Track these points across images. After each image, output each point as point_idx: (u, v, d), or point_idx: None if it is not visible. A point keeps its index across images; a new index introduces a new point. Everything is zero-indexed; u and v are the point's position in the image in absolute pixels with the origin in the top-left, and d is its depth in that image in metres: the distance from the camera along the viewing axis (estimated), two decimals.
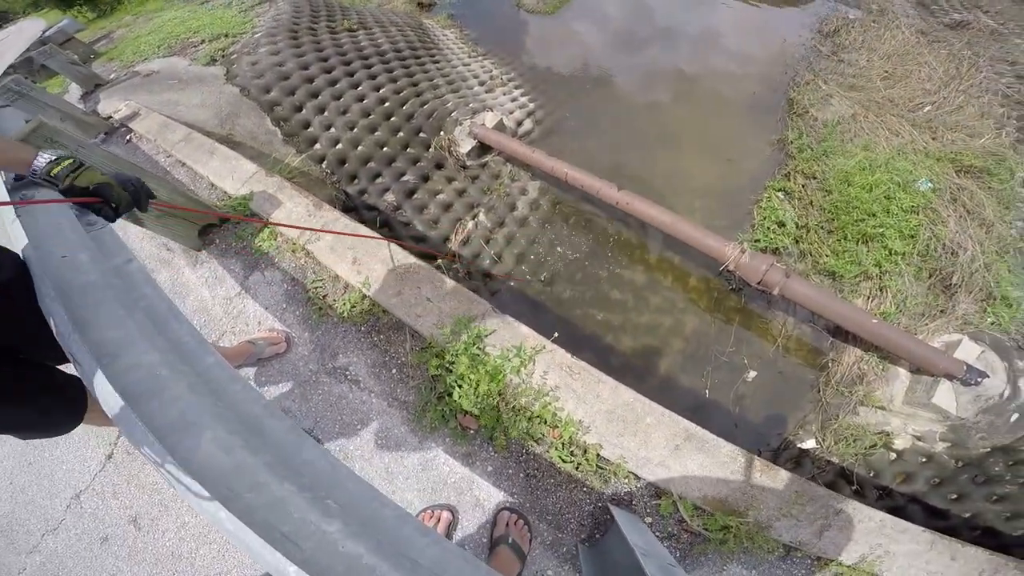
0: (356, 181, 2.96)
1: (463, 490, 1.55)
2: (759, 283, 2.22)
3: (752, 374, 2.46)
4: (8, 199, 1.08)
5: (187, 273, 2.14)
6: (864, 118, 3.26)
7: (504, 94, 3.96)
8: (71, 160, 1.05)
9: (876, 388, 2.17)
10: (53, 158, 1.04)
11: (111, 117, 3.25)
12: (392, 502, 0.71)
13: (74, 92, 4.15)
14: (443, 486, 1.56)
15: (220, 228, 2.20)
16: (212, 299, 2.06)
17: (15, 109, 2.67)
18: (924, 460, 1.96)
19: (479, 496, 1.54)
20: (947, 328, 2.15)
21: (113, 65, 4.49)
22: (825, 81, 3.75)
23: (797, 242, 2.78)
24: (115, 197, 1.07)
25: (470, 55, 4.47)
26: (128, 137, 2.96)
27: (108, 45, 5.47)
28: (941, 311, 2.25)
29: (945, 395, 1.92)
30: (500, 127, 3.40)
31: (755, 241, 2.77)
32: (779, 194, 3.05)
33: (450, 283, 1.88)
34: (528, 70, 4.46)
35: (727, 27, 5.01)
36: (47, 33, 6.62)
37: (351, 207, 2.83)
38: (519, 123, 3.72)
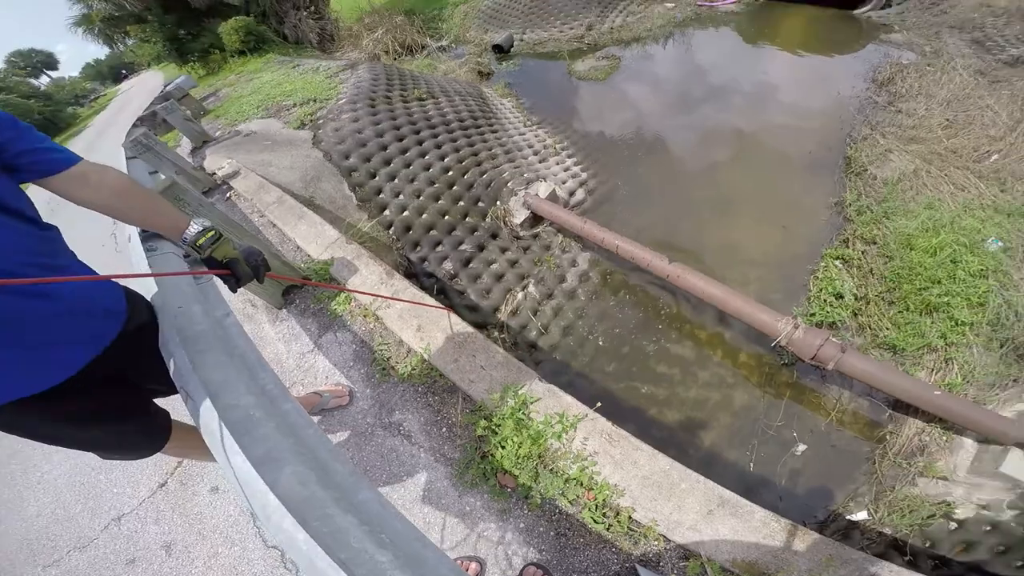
0: (418, 248, 3.21)
1: (494, 544, 1.62)
2: (813, 358, 2.19)
3: (801, 448, 2.39)
4: (171, 266, 1.33)
5: (267, 328, 2.39)
6: (926, 173, 3.12)
7: (557, 163, 4.19)
8: (213, 232, 1.21)
9: (938, 459, 2.10)
10: (200, 229, 1.20)
11: (215, 174, 3.74)
12: (432, 543, 0.79)
13: (185, 146, 4.81)
14: (476, 539, 1.63)
15: (301, 290, 2.46)
16: (287, 353, 2.29)
17: (142, 161, 3.15)
18: (989, 528, 1.89)
19: (509, 551, 1.60)
20: (1021, 396, 2.06)
21: (219, 123, 5.18)
22: (883, 135, 3.64)
23: (855, 315, 2.67)
24: (241, 272, 1.24)
25: (525, 124, 4.78)
26: (228, 195, 3.39)
27: (215, 103, 6.30)
28: (1014, 380, 2.13)
29: (1016, 463, 1.87)
30: (553, 197, 3.59)
31: (810, 315, 2.70)
32: (837, 262, 2.94)
33: (502, 353, 2.02)
34: (581, 138, 4.70)
35: (779, 81, 5.05)
36: (167, 88, 7.67)
37: (412, 273, 3.07)
38: (571, 193, 3.90)
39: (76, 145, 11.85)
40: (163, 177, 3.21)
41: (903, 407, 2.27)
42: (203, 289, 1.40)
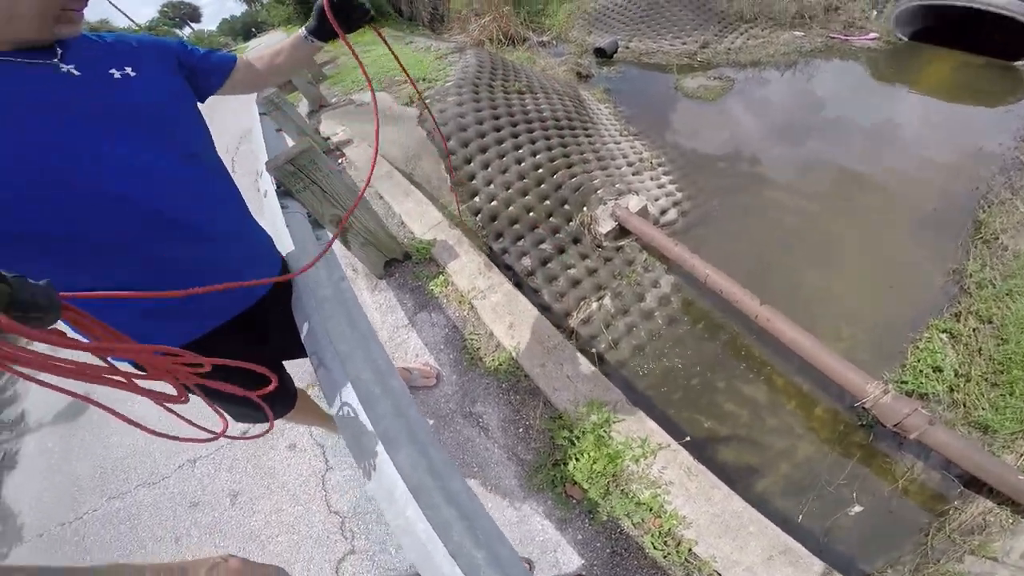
0: (500, 239, 3.28)
1: (547, 550, 1.64)
2: (896, 425, 2.11)
3: (857, 508, 2.28)
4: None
5: (365, 295, 2.52)
6: None
7: (652, 179, 4.09)
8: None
9: (995, 539, 1.96)
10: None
11: (329, 139, 4.04)
12: (509, 543, 0.80)
13: (303, 108, 5.23)
14: (530, 542, 1.66)
15: (401, 264, 2.58)
16: (382, 324, 2.38)
17: (270, 119, 3.44)
18: None
19: (560, 559, 1.62)
20: None
21: (334, 90, 5.57)
22: None
23: (952, 390, 2.47)
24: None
25: (622, 133, 4.70)
26: (340, 161, 3.66)
27: (333, 69, 6.77)
28: None
29: None
30: (643, 213, 3.51)
31: (902, 382, 2.53)
32: (943, 335, 2.68)
33: (591, 368, 2.02)
34: (679, 156, 4.54)
35: (908, 125, 4.58)
36: None
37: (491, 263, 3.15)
38: (663, 211, 3.80)
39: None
40: (290, 141, 3.48)
41: (977, 485, 2.14)
42: (319, 251, 1.44)
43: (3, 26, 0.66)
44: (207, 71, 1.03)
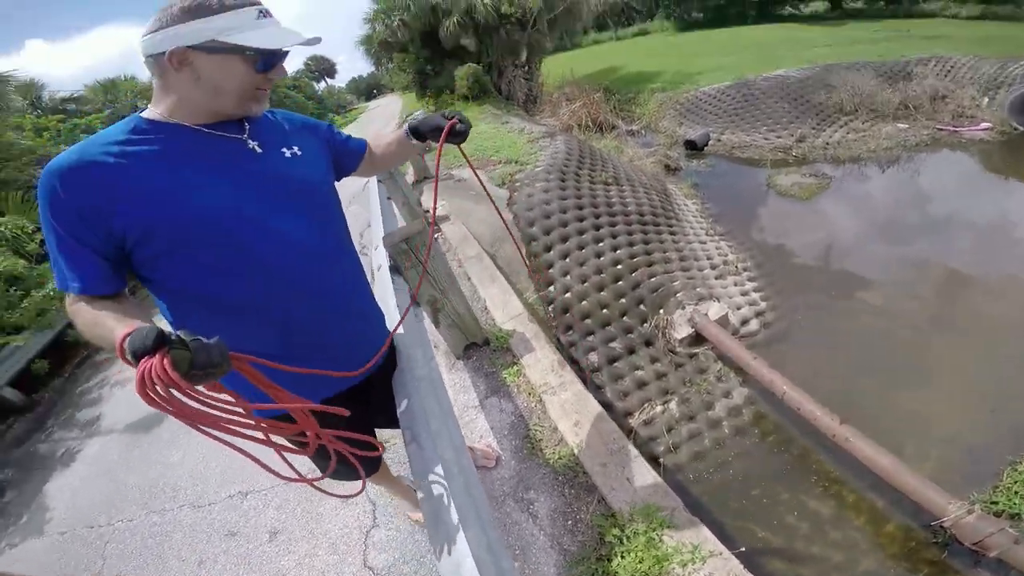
0: (570, 332, 3.31)
1: None
2: (976, 544, 2.07)
3: None
4: None
5: (444, 373, 2.64)
6: None
7: (735, 284, 3.94)
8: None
9: None
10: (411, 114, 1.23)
11: (428, 211, 4.45)
12: None
13: (408, 177, 5.86)
14: None
15: (480, 348, 2.71)
16: (454, 402, 2.42)
17: (384, 186, 3.82)
18: None
19: None
20: None
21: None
22: None
23: None
24: (463, 127, 1.13)
25: (707, 233, 4.63)
26: (437, 236, 3.99)
27: None
28: None
29: None
30: (723, 322, 3.37)
31: (992, 503, 2.41)
32: None
33: (653, 474, 1.97)
34: (767, 261, 4.36)
35: None
36: (409, 119, 9.42)
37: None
38: (744, 321, 3.62)
39: None
40: (396, 209, 3.86)
41: None
42: (419, 331, 1.49)
43: (211, 100, 0.80)
44: (347, 155, 1.16)
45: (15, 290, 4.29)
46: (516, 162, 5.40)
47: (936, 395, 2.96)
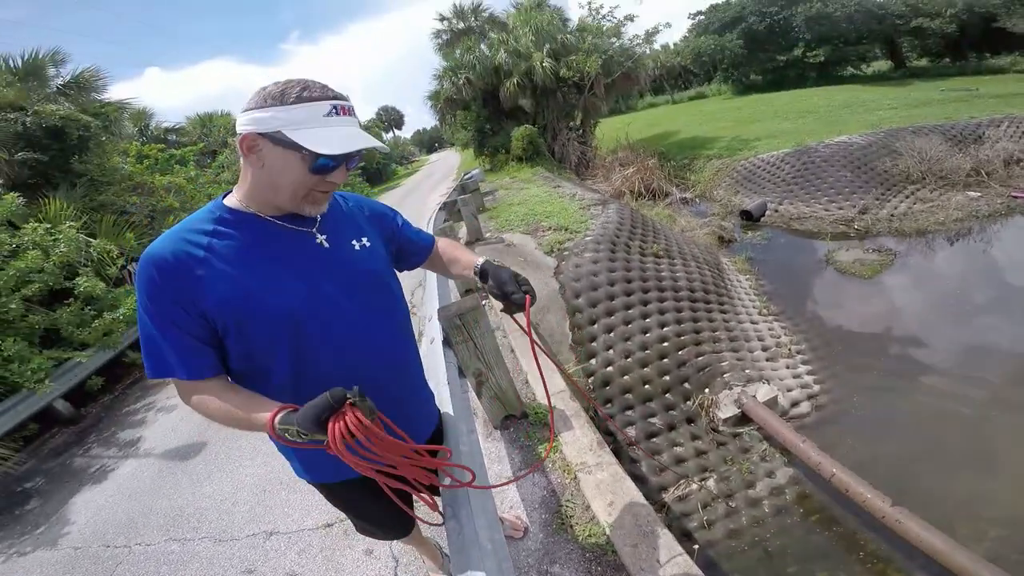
0: (608, 405, 3.36)
1: None
2: None
3: None
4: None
5: (480, 441, 2.80)
6: None
7: (787, 367, 3.82)
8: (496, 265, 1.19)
9: None
10: (485, 260, 1.16)
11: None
12: None
13: (461, 235, 6.29)
14: None
15: (518, 420, 2.81)
16: (488, 471, 2.59)
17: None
18: None
19: None
20: None
21: (490, 224, 6.63)
22: None
23: None
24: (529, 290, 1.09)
25: (760, 312, 4.55)
26: (485, 301, 4.27)
27: (491, 202, 8.13)
28: None
29: None
30: (772, 404, 3.28)
31: None
32: None
33: (686, 559, 1.92)
34: (822, 344, 4.18)
35: None
36: (465, 177, 9.64)
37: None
38: (795, 403, 3.48)
39: (390, 198, 15.06)
40: (464, 295, 4.14)
41: None
42: (464, 406, 1.60)
43: (271, 196, 0.81)
44: (414, 251, 1.15)
45: (90, 309, 4.49)
46: (566, 229, 5.59)
47: (999, 477, 2.86)
